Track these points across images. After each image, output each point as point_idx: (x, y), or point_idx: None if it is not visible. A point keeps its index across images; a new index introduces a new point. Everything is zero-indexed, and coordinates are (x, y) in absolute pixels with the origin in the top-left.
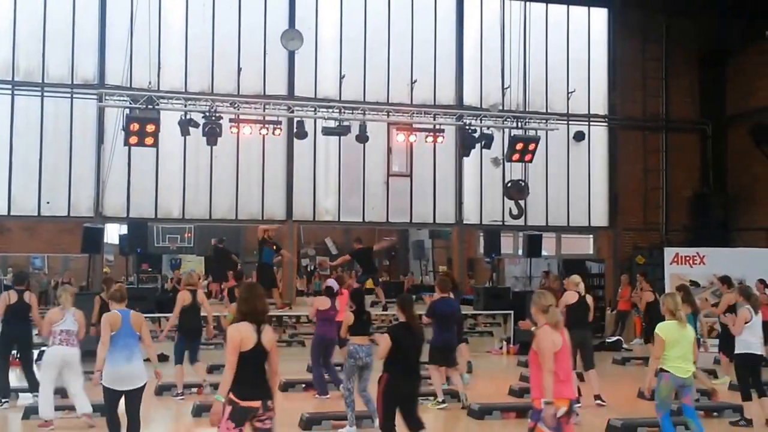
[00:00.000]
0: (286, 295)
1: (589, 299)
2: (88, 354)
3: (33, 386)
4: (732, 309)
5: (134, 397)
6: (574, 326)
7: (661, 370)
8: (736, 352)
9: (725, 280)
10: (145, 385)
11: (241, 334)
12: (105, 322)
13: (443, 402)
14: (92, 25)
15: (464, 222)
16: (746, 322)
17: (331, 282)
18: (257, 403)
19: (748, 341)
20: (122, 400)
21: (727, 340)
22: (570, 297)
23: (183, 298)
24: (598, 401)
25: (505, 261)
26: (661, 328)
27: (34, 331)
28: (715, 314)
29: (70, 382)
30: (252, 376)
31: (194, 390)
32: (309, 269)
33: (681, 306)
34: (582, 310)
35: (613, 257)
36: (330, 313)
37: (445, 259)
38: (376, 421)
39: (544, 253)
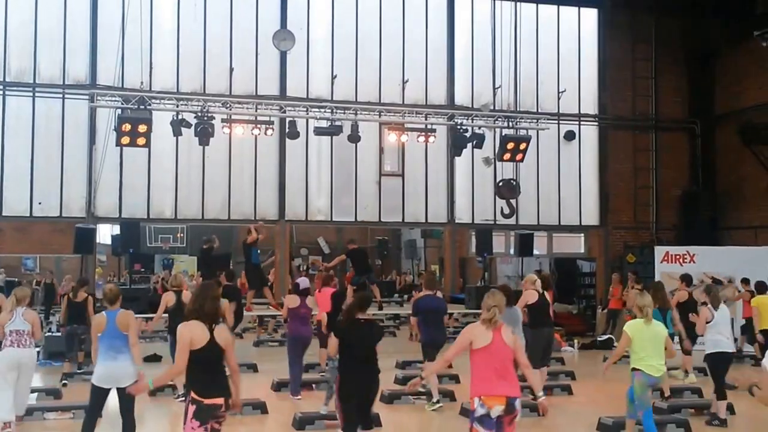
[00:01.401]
0: (279, 294)
1: (548, 296)
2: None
3: None
4: (687, 306)
5: (124, 395)
6: (539, 325)
7: (634, 369)
8: (706, 352)
9: (684, 278)
10: (135, 382)
11: (192, 333)
12: (93, 326)
13: (438, 402)
14: (83, 26)
15: (456, 221)
16: (707, 322)
17: (301, 280)
18: (220, 401)
19: (716, 340)
20: (114, 401)
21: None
22: (530, 296)
23: (167, 299)
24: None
25: (496, 260)
26: (629, 326)
27: None
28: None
29: (20, 382)
30: (210, 374)
31: None
32: (301, 269)
33: (650, 304)
34: (544, 309)
35: (604, 256)
36: (301, 311)
37: (437, 259)
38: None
39: (535, 252)
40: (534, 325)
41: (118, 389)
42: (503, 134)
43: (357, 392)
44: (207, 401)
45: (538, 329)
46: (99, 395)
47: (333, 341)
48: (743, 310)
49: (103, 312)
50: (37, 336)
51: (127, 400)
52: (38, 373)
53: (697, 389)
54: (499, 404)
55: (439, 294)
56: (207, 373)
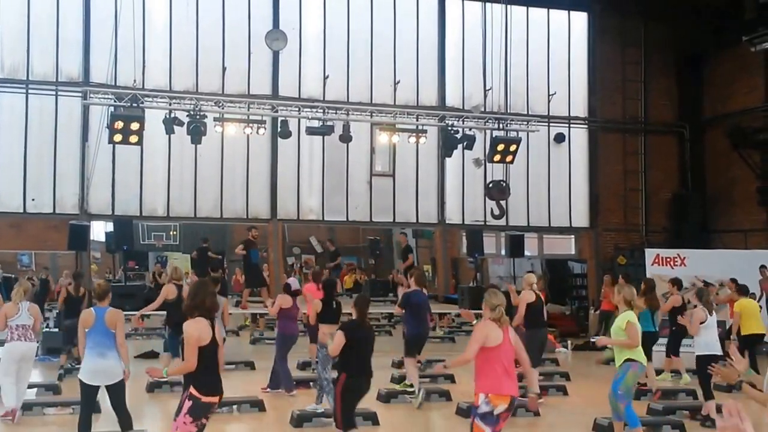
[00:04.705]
0: (274, 294)
1: (542, 297)
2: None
3: None
4: (679, 310)
5: (114, 391)
6: (536, 325)
7: (631, 360)
8: (697, 353)
9: (675, 282)
10: (122, 380)
11: (199, 330)
12: (80, 321)
13: (420, 391)
14: (77, 23)
15: (446, 222)
16: (701, 323)
17: (291, 280)
18: (216, 399)
19: (708, 342)
20: (103, 397)
21: (675, 341)
22: (528, 296)
23: (168, 291)
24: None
25: (488, 261)
26: (632, 317)
27: None
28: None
29: (21, 374)
30: (210, 371)
31: None
32: (294, 267)
33: (636, 297)
34: (539, 309)
35: (595, 258)
36: (292, 311)
37: (429, 259)
38: None
39: (526, 253)
40: (530, 326)
41: (107, 386)
42: (493, 136)
43: (362, 392)
44: (205, 399)
45: (533, 330)
46: (89, 391)
47: (339, 339)
48: (731, 313)
49: (92, 308)
50: (36, 329)
51: (117, 395)
52: (36, 369)
53: (691, 391)
54: (504, 403)
55: (424, 291)
56: (208, 369)
